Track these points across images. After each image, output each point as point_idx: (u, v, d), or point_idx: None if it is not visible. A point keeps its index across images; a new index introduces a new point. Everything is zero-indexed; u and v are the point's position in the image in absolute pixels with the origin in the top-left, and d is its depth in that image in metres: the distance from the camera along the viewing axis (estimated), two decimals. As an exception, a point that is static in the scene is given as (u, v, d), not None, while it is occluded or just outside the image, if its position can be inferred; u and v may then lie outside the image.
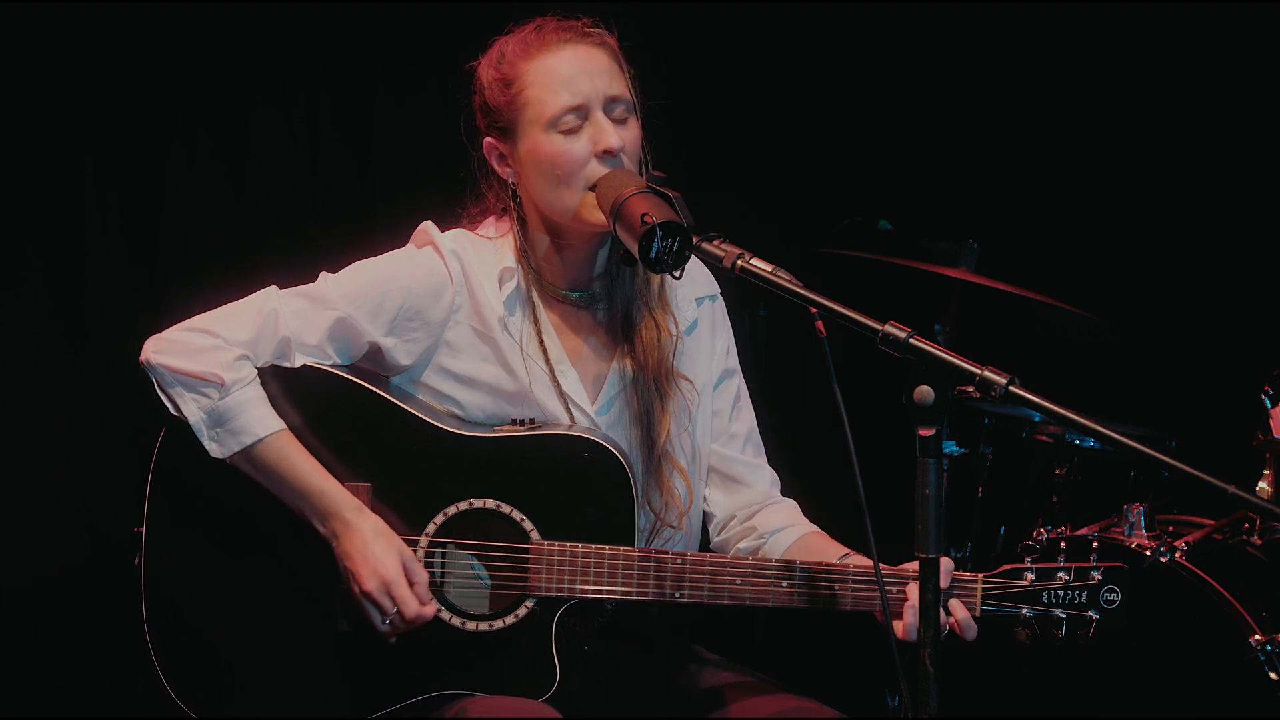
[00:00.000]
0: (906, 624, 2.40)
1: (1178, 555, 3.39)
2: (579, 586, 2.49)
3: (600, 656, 2.63)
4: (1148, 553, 3.42)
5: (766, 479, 2.79)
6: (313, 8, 3.79)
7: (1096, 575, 2.48)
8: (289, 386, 2.53)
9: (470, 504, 2.52)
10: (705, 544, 2.79)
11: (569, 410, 2.62)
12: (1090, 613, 2.48)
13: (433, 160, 3.96)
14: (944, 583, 2.40)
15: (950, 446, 3.94)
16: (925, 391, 2.05)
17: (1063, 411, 2.05)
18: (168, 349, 2.48)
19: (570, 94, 2.51)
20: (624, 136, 2.53)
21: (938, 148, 4.61)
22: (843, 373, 2.13)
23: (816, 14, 4.49)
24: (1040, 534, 3.63)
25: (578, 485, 2.52)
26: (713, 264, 2.32)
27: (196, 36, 3.67)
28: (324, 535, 2.49)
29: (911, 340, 2.09)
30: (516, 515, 2.51)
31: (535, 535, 2.50)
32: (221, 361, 2.46)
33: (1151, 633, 3.32)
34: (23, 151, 3.54)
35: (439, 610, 2.49)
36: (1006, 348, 3.33)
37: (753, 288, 2.25)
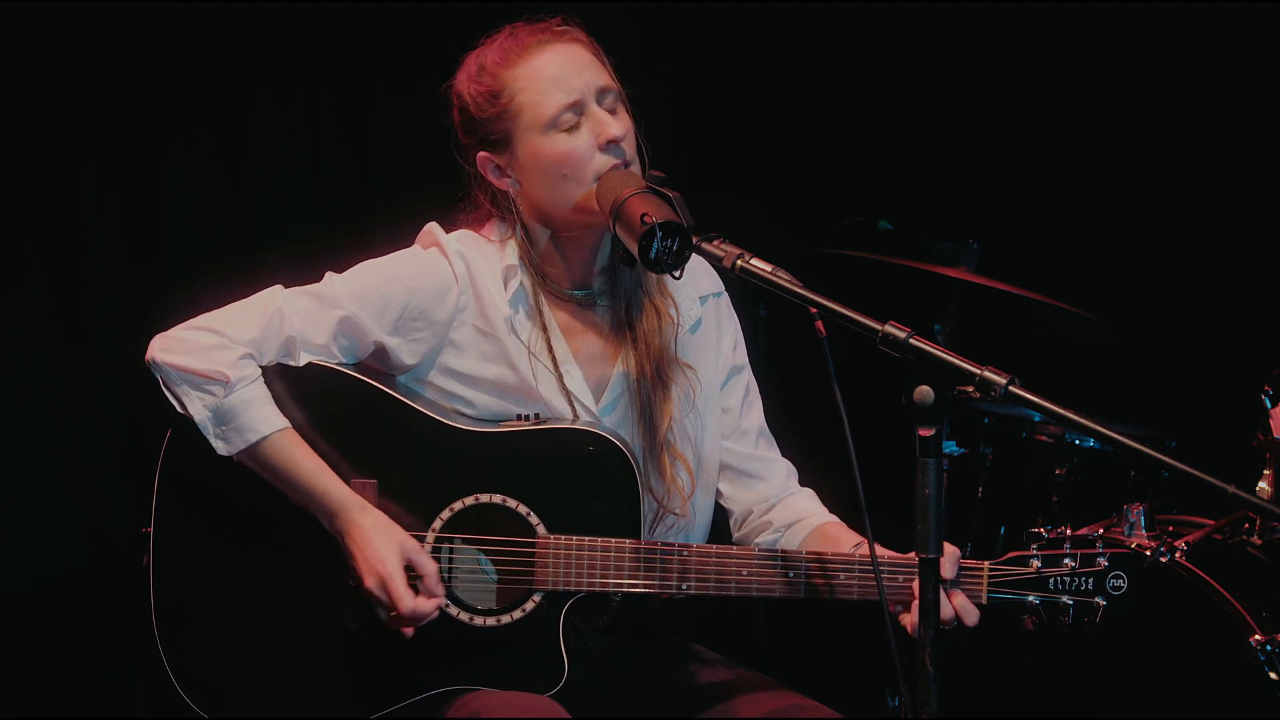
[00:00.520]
0: (914, 620, 2.38)
1: (1178, 555, 3.39)
2: (586, 580, 2.49)
3: (604, 653, 2.64)
4: (1148, 553, 3.42)
5: (782, 471, 2.79)
6: (313, 8, 3.79)
7: (1103, 561, 2.48)
8: (294, 384, 2.53)
9: (476, 499, 2.52)
10: (716, 536, 2.78)
11: (574, 410, 2.62)
12: (1097, 599, 2.48)
13: (433, 160, 3.94)
14: (951, 572, 2.41)
15: (950, 446, 3.94)
16: (925, 391, 2.05)
17: (1063, 411, 2.05)
18: (173, 347, 2.48)
19: (564, 92, 2.52)
20: (621, 124, 2.54)
21: (938, 148, 4.61)
22: (843, 373, 2.13)
23: (816, 14, 4.49)
24: (1042, 532, 3.63)
25: (583, 479, 2.52)
26: (713, 264, 2.32)
27: (196, 36, 3.67)
28: (331, 533, 2.49)
29: (911, 340, 2.09)
30: (522, 510, 2.51)
31: (541, 530, 2.51)
32: (227, 360, 2.46)
33: (1151, 633, 3.32)
34: (23, 151, 3.54)
35: (446, 606, 2.50)
36: (1006, 348, 3.33)
37: (753, 288, 2.26)
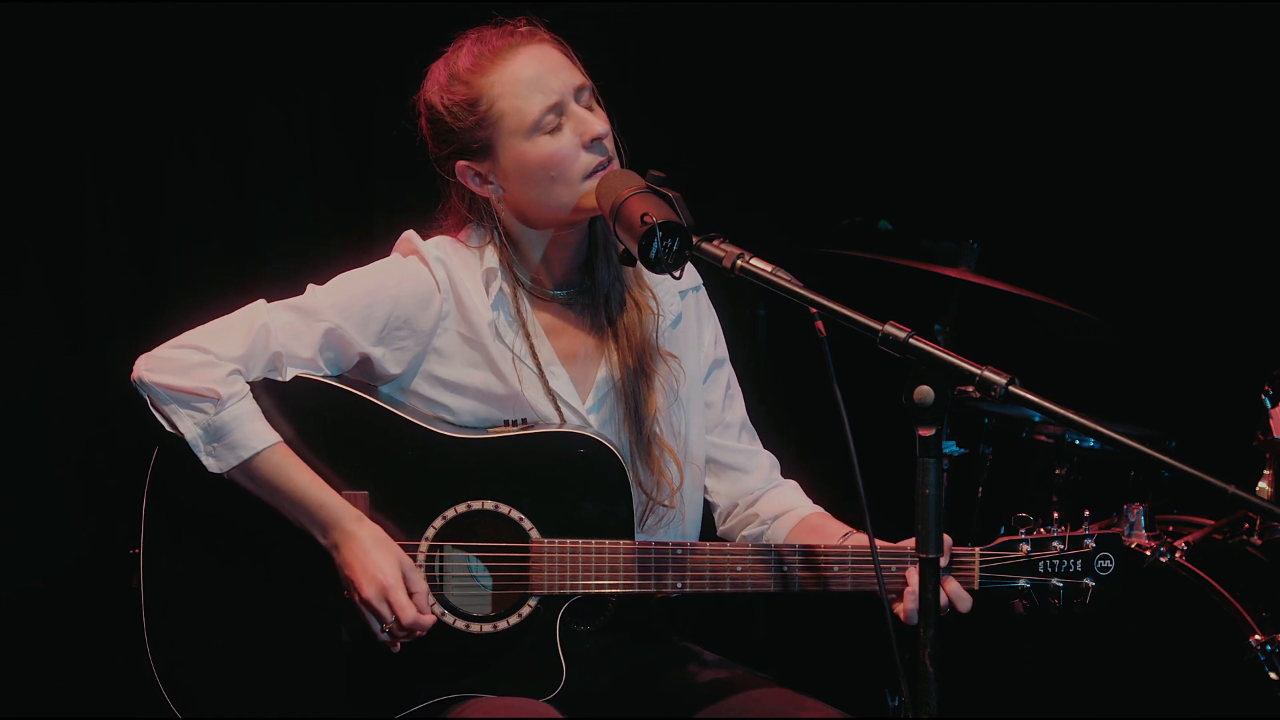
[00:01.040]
0: (907, 608, 2.43)
1: (1178, 555, 3.40)
2: (581, 582, 2.49)
3: (601, 655, 2.63)
4: (1148, 553, 3.42)
5: (765, 464, 2.80)
6: (313, 8, 3.78)
7: (1090, 543, 2.52)
8: (282, 399, 2.52)
9: (468, 506, 2.52)
10: (707, 531, 2.78)
11: (560, 411, 2.62)
12: (1086, 580, 2.51)
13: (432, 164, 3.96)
14: (943, 559, 2.41)
15: (950, 446, 3.94)
16: (925, 391, 2.05)
17: (1063, 411, 2.05)
18: (160, 366, 2.47)
19: (544, 94, 2.52)
20: (602, 121, 2.55)
21: (938, 148, 4.61)
22: (843, 373, 2.13)
23: (816, 14, 4.49)
24: (1040, 532, 3.63)
25: (574, 482, 2.52)
26: (713, 264, 2.32)
27: (196, 36, 3.67)
28: (325, 546, 2.48)
29: (911, 340, 2.09)
30: (515, 515, 2.51)
31: (535, 534, 2.51)
32: (215, 377, 2.45)
33: (1151, 633, 3.32)
34: (23, 151, 3.54)
35: (442, 614, 2.50)
36: (1006, 348, 3.32)
37: (753, 288, 2.25)
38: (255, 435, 2.46)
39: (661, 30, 4.28)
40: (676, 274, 2.34)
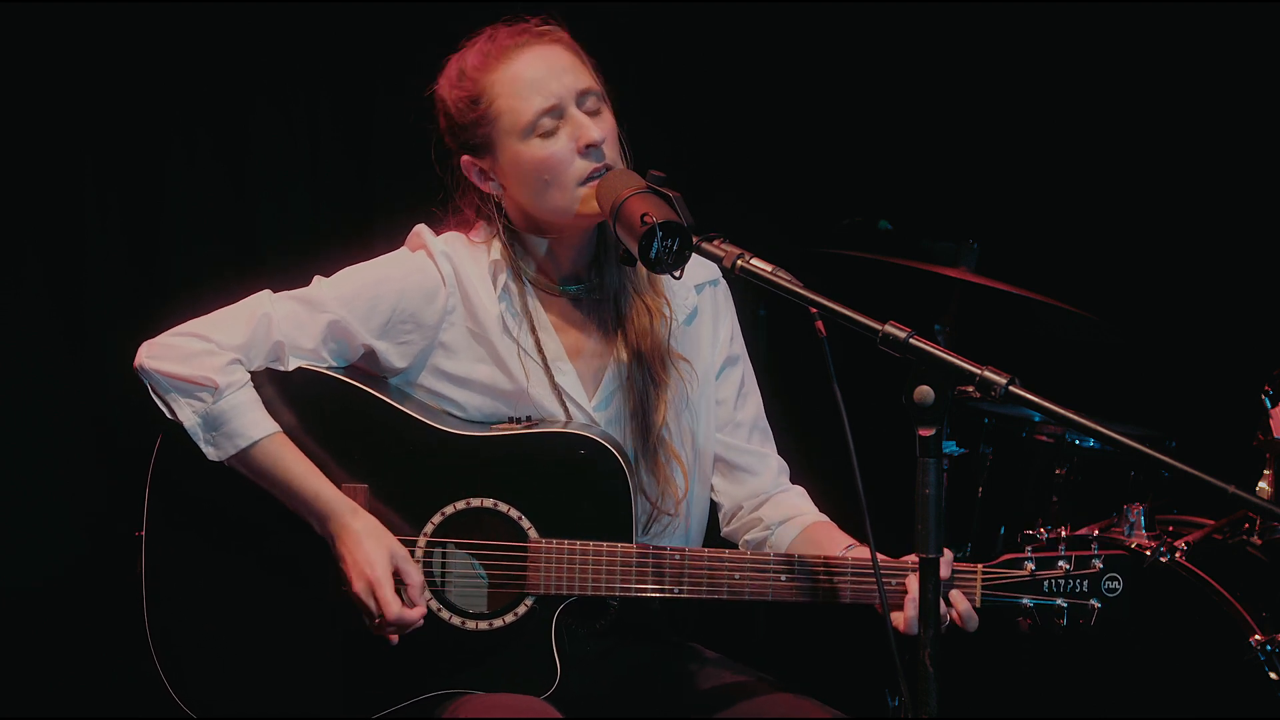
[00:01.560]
0: (906, 617, 2.40)
1: (1178, 555, 3.39)
2: (578, 584, 2.49)
3: (601, 656, 2.63)
4: (1148, 553, 3.42)
5: (774, 467, 2.78)
6: (313, 8, 3.79)
7: (1098, 564, 2.47)
8: (283, 389, 2.53)
9: (468, 503, 2.52)
10: (712, 535, 2.78)
11: (565, 407, 2.62)
12: (1092, 601, 2.47)
13: (433, 160, 3.96)
14: (944, 573, 2.40)
15: (950, 446, 3.94)
16: (925, 391, 2.04)
17: (1063, 411, 2.05)
18: (161, 354, 2.48)
19: (542, 97, 2.51)
20: (601, 127, 2.53)
21: (938, 148, 4.61)
22: (843, 373, 2.13)
23: (817, 14, 4.49)
24: (1040, 534, 3.63)
25: (574, 482, 2.52)
26: (712, 264, 2.32)
27: (196, 36, 3.67)
28: (322, 536, 2.49)
29: (911, 340, 2.08)
30: (514, 514, 2.51)
31: (533, 533, 2.50)
32: (214, 366, 2.46)
33: (1151, 633, 3.32)
34: (23, 151, 3.54)
35: (438, 610, 2.50)
36: (1006, 348, 3.33)
37: (753, 288, 2.25)
38: (253, 425, 2.46)
39: (661, 30, 4.28)
40: (677, 274, 2.33)
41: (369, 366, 2.62)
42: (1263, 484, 3.54)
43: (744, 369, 2.79)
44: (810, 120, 4.55)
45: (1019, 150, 4.58)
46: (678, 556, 2.49)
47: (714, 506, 2.80)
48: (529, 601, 2.50)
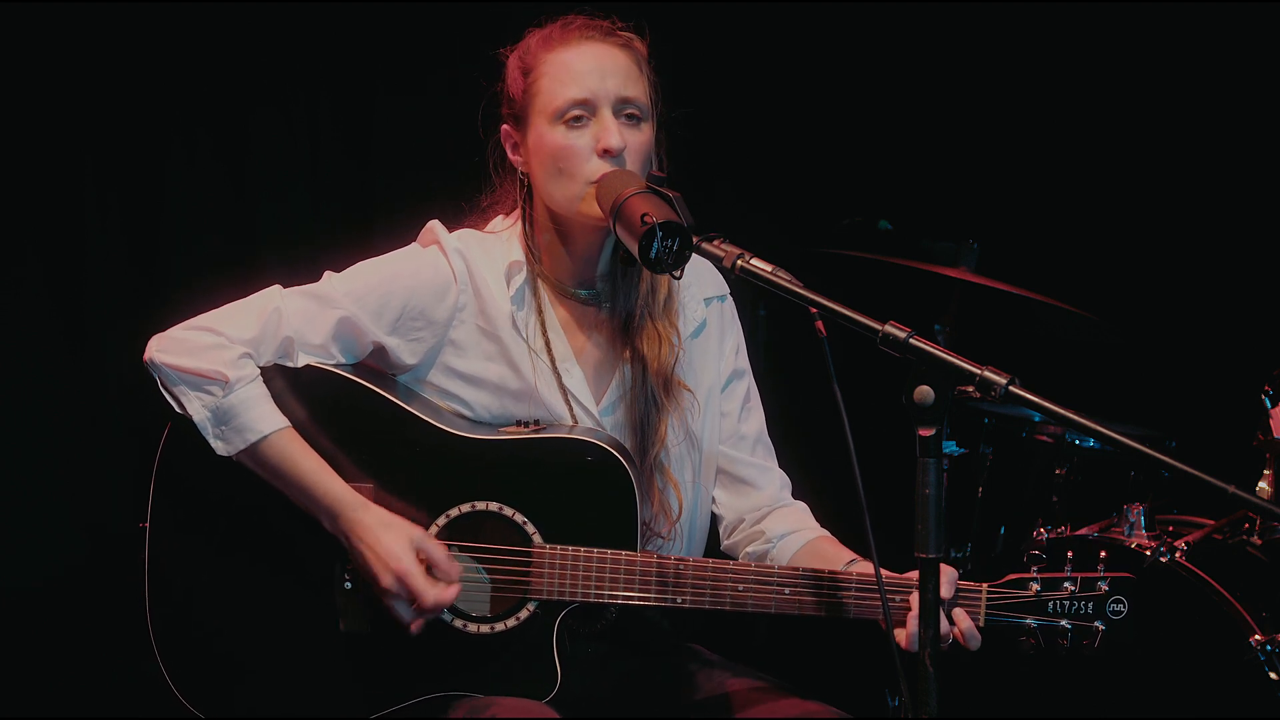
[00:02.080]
0: (909, 633, 2.37)
1: (1178, 555, 3.39)
2: (581, 590, 2.48)
3: (602, 659, 2.63)
4: (1148, 553, 3.42)
5: (776, 481, 2.78)
6: (313, 8, 3.79)
7: (1103, 586, 2.46)
8: (291, 386, 2.53)
9: (473, 506, 2.52)
10: (711, 549, 2.78)
11: (572, 409, 2.62)
12: (1096, 624, 2.45)
13: (433, 160, 3.97)
14: (948, 592, 2.39)
15: (950, 446, 3.94)
16: (925, 391, 2.04)
17: (1063, 411, 2.05)
18: (171, 347, 2.48)
19: (579, 88, 2.52)
20: (628, 138, 2.52)
21: (938, 148, 4.61)
22: (843, 373, 2.13)
23: (817, 14, 4.49)
24: (1040, 534, 3.63)
25: (580, 489, 2.51)
26: (713, 264, 2.32)
27: (196, 36, 3.67)
28: (333, 534, 2.49)
29: (911, 340, 2.08)
30: (519, 518, 2.51)
31: (537, 538, 2.50)
32: (225, 359, 2.46)
33: (1151, 632, 3.32)
34: (23, 151, 3.54)
35: (440, 613, 2.50)
36: (1006, 348, 3.32)
37: (753, 288, 2.25)
38: (262, 419, 2.46)
39: (661, 30, 4.28)
40: (677, 274, 2.33)
41: (378, 363, 2.62)
42: (1263, 484, 3.54)
43: (749, 383, 2.80)
44: (810, 120, 4.55)
45: (1019, 150, 4.58)
46: (682, 566, 2.49)
47: (715, 520, 2.79)
48: (531, 606, 2.50)
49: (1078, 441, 3.97)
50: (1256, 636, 3.21)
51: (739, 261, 2.25)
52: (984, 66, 4.57)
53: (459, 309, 2.59)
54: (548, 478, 2.51)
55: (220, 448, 2.47)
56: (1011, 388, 2.03)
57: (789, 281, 2.21)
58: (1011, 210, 4.53)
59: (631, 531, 2.50)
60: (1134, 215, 4.53)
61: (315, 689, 2.52)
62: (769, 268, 2.23)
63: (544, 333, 2.62)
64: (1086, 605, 2.46)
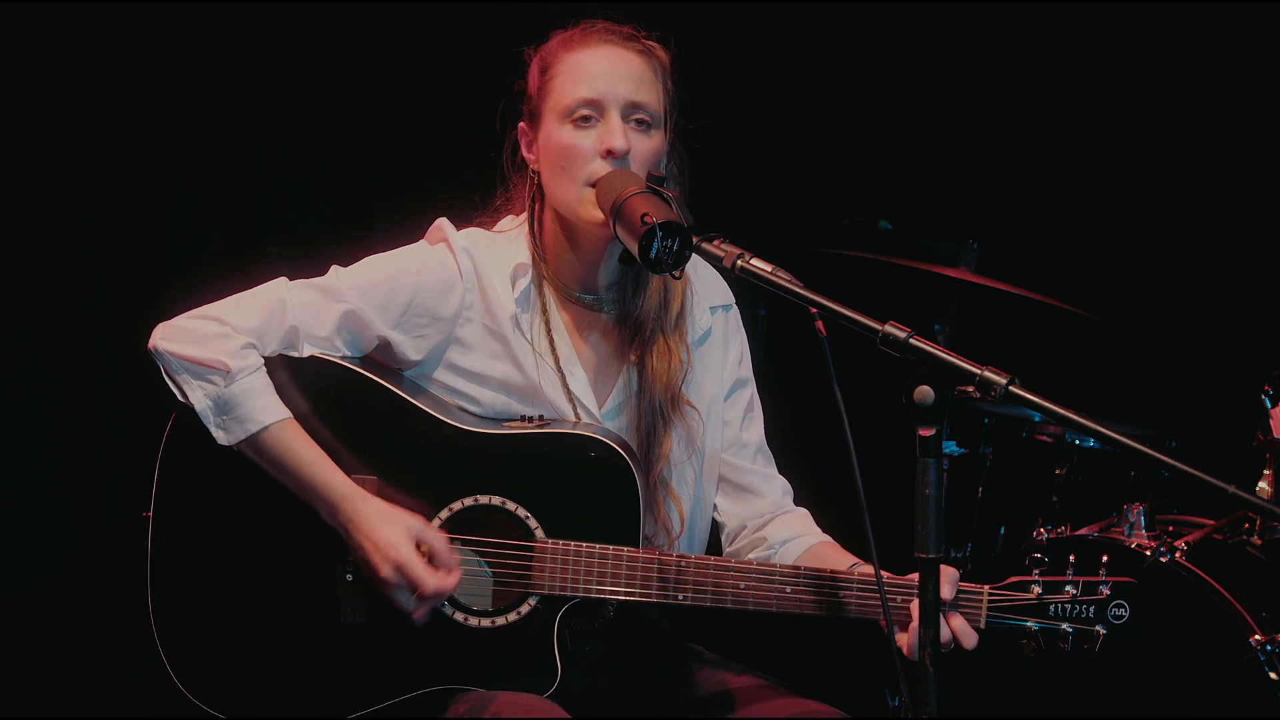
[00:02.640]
0: (910, 641, 2.37)
1: (1178, 555, 3.39)
2: (582, 585, 2.49)
3: (602, 656, 2.63)
4: (1148, 553, 3.42)
5: (778, 488, 2.79)
6: (313, 8, 3.79)
7: (1105, 590, 2.46)
8: (296, 377, 2.53)
9: (476, 500, 2.52)
10: (712, 551, 2.78)
11: (576, 413, 2.63)
12: (1097, 627, 2.46)
13: (433, 160, 3.97)
14: (950, 594, 2.40)
15: (950, 446, 3.94)
16: (925, 391, 2.04)
17: (1063, 411, 2.05)
18: (175, 335, 2.48)
19: (589, 88, 2.53)
20: (635, 143, 2.52)
21: (938, 148, 4.61)
22: (843, 373, 2.13)
23: (817, 14, 4.49)
24: (1040, 534, 3.63)
25: (583, 484, 2.52)
26: (712, 264, 2.32)
27: (196, 36, 3.67)
28: (333, 526, 2.49)
29: (911, 340, 2.08)
30: (521, 513, 2.51)
31: (540, 533, 2.50)
32: (228, 349, 2.46)
33: (1151, 632, 3.32)
34: (23, 151, 3.54)
35: (442, 606, 2.49)
36: (1006, 348, 3.33)
37: (753, 288, 2.25)
38: (263, 410, 2.47)
39: (660, 30, 4.28)
40: (676, 274, 2.33)
41: (384, 358, 2.63)
42: (1263, 484, 3.54)
43: (751, 392, 2.81)
44: (810, 120, 4.55)
45: (1019, 150, 4.58)
46: (684, 563, 2.49)
47: (717, 528, 2.79)
48: (533, 601, 2.50)
49: (1078, 441, 3.97)
50: (1256, 636, 3.21)
51: (739, 261, 2.25)
52: (984, 66, 4.57)
53: (465, 307, 2.60)
54: (551, 473, 2.51)
55: (221, 437, 2.47)
56: (1011, 388, 2.03)
57: (789, 281, 2.21)
58: (1011, 210, 4.53)
59: (634, 528, 2.51)
60: (1134, 215, 4.53)
61: (317, 681, 2.52)
62: (769, 268, 2.23)
63: (549, 336, 2.62)
64: (1088, 609, 2.46)
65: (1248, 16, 4.29)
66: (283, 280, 2.56)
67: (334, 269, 2.59)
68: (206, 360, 2.46)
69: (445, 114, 3.99)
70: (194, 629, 2.52)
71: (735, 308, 2.80)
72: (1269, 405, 3.53)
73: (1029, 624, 2.47)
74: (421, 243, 2.66)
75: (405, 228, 2.71)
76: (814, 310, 2.16)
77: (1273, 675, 3.18)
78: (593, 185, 2.51)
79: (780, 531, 2.72)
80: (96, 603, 3.55)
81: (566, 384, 2.62)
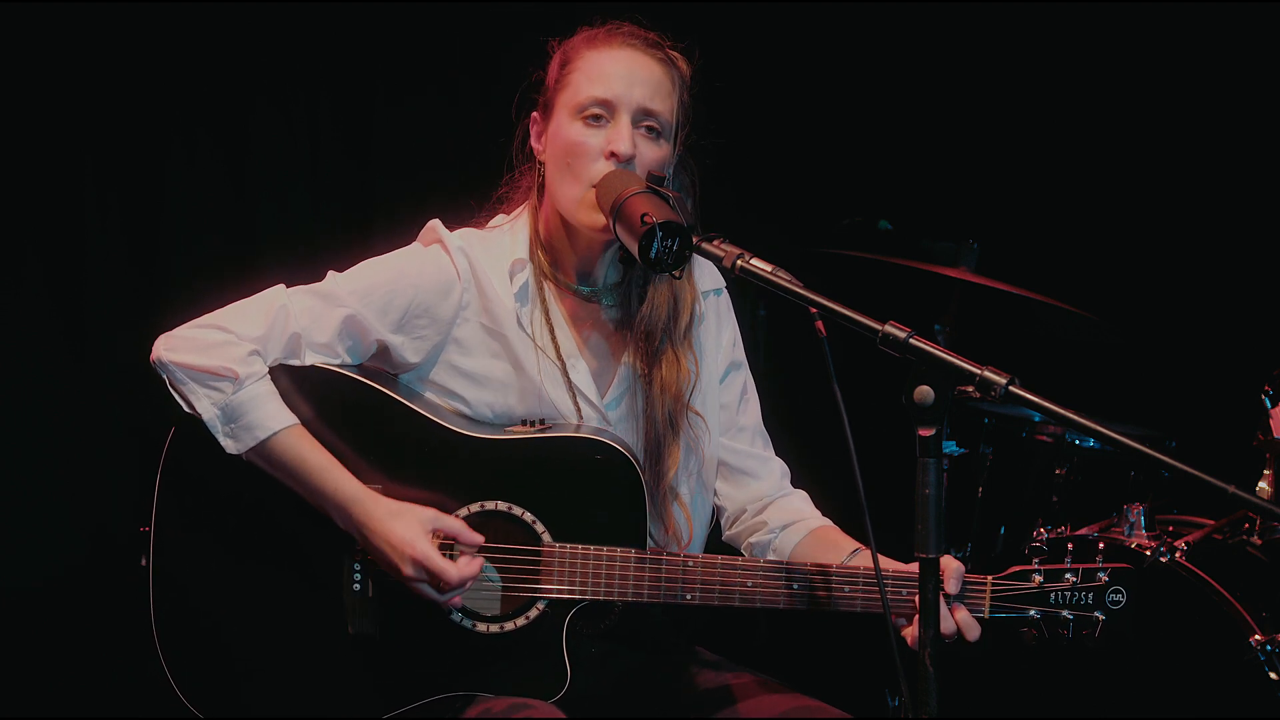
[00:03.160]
0: (915, 634, 2.39)
1: (1178, 555, 3.40)
2: (590, 589, 2.49)
3: (605, 658, 2.63)
4: (1148, 553, 3.42)
5: (776, 471, 2.79)
6: (313, 8, 3.79)
7: (1103, 576, 2.50)
8: (298, 387, 2.52)
9: (482, 506, 2.52)
10: (712, 540, 2.78)
11: (577, 404, 2.62)
12: (1096, 613, 2.50)
13: (433, 160, 3.97)
14: (955, 587, 2.42)
15: (950, 446, 3.94)
16: (925, 391, 2.04)
17: (1063, 411, 2.05)
18: (179, 346, 2.48)
19: (603, 88, 2.53)
20: (642, 149, 2.53)
21: (938, 148, 4.61)
22: (843, 373, 2.13)
23: (817, 14, 4.49)
24: (1040, 534, 3.63)
25: (588, 487, 2.51)
26: (713, 264, 2.32)
27: (196, 36, 3.67)
28: (346, 530, 2.48)
29: (911, 340, 2.08)
30: (528, 518, 2.51)
31: (547, 538, 2.50)
32: (234, 356, 2.46)
33: (1151, 632, 3.32)
34: (23, 151, 3.54)
35: (450, 612, 2.49)
36: (1006, 348, 3.33)
37: (753, 288, 2.25)
38: (272, 416, 2.46)
39: (659, 30, 4.28)
40: (677, 273, 2.33)
41: (380, 363, 2.63)
42: (1263, 484, 3.54)
43: (745, 375, 2.81)
44: (810, 120, 4.55)
45: (1019, 150, 4.58)
46: (691, 563, 2.49)
47: (716, 511, 2.80)
48: (541, 605, 2.50)
49: (1078, 441, 3.97)
50: (1256, 636, 3.21)
51: (739, 261, 2.25)
52: (984, 66, 4.57)
53: (463, 307, 2.60)
54: (556, 477, 2.51)
55: (230, 446, 2.46)
56: (1011, 388, 2.03)
57: (789, 281, 2.21)
58: (1011, 210, 4.53)
59: (640, 530, 2.51)
60: (1134, 215, 4.53)
61: (324, 690, 2.52)
62: (769, 267, 2.23)
63: (550, 329, 2.62)
64: (1087, 595, 2.50)
65: (1248, 16, 4.29)
66: (281, 287, 2.56)
67: (331, 274, 2.58)
68: (212, 368, 2.45)
69: (445, 114, 3.99)
70: (198, 642, 2.51)
71: (726, 291, 2.80)
72: (1269, 405, 3.53)
73: (1030, 612, 2.50)
74: (415, 244, 2.66)
75: (405, 228, 2.70)
76: (814, 310, 2.16)
77: (1273, 675, 3.18)
78: (594, 186, 2.51)
79: (780, 515, 2.73)
80: (96, 603, 3.55)
81: (568, 375, 2.62)
